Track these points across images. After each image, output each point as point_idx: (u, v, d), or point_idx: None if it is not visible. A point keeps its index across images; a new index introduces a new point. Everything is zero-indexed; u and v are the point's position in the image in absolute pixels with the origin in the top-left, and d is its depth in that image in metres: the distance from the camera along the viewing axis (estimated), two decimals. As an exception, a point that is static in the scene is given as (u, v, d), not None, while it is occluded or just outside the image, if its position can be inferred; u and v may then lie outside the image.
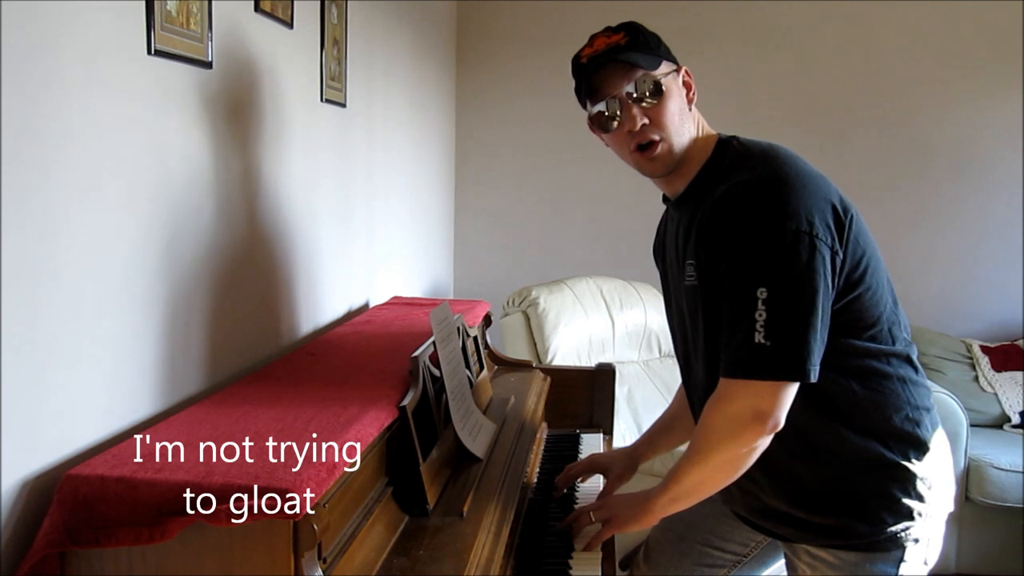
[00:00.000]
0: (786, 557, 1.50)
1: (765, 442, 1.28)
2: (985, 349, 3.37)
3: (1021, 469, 2.92)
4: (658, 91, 1.35)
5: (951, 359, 3.35)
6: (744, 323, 1.24)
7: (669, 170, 1.40)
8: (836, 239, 1.26)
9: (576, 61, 1.40)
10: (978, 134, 3.53)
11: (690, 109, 1.41)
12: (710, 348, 1.36)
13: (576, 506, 1.64)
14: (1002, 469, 2.94)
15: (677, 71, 1.40)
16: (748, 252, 1.25)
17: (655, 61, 1.36)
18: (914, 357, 1.40)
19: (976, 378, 3.30)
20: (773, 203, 1.25)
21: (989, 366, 3.32)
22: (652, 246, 1.62)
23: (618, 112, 1.36)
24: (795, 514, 1.40)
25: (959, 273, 3.61)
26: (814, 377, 1.24)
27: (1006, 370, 3.30)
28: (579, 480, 1.75)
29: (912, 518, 1.35)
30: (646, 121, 1.35)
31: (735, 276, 1.26)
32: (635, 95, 1.35)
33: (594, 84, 1.38)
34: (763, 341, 1.22)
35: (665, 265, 1.54)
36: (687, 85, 1.42)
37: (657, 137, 1.37)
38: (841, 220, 1.28)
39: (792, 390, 1.26)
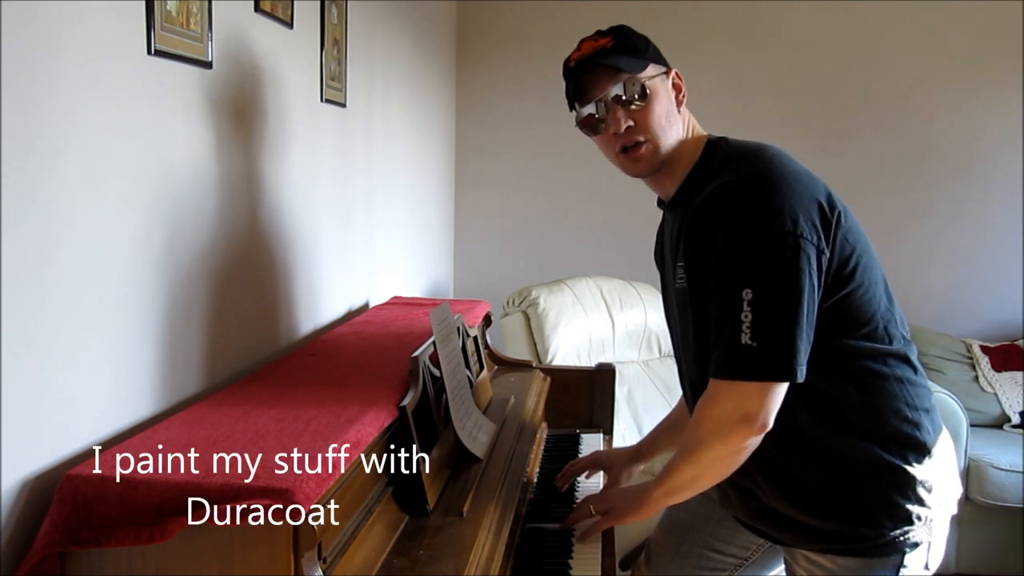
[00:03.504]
0: (785, 562, 1.50)
1: (755, 441, 1.28)
2: (985, 349, 3.36)
3: (1021, 469, 2.92)
4: (643, 94, 1.36)
5: (951, 359, 3.34)
6: (730, 324, 1.24)
7: (653, 170, 1.41)
8: (822, 237, 1.26)
9: (565, 65, 1.41)
10: (978, 134, 3.53)
11: (679, 111, 1.42)
12: (700, 349, 1.36)
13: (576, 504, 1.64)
14: (1002, 469, 2.94)
15: (667, 73, 1.41)
16: (733, 253, 1.25)
17: (641, 64, 1.37)
18: (913, 357, 1.39)
19: (976, 378, 3.30)
20: (757, 203, 1.26)
21: (989, 366, 3.32)
22: (653, 250, 1.63)
23: (604, 114, 1.38)
24: (793, 517, 1.39)
25: (959, 273, 3.61)
26: (801, 377, 1.24)
27: (1006, 370, 3.30)
28: (583, 476, 1.75)
29: (912, 522, 1.34)
30: (631, 123, 1.37)
31: (720, 277, 1.27)
32: (622, 98, 1.36)
33: (581, 87, 1.39)
34: (749, 342, 1.22)
35: (662, 268, 1.55)
36: (677, 87, 1.42)
37: (642, 139, 1.38)
38: (828, 218, 1.28)
39: (781, 390, 1.26)
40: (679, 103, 1.42)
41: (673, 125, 1.39)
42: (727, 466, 1.32)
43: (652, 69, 1.38)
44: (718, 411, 1.28)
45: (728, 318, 1.24)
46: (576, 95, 1.40)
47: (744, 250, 1.24)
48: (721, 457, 1.30)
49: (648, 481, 1.43)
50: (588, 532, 1.48)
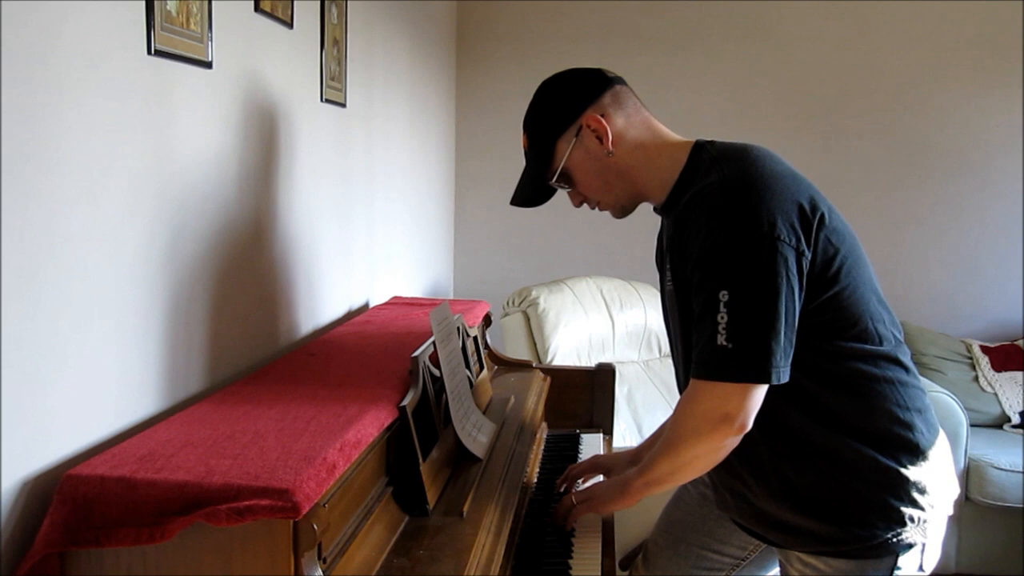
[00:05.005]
0: (780, 563, 1.50)
1: (734, 441, 1.29)
2: (985, 349, 3.37)
3: (1021, 469, 2.92)
4: (567, 180, 1.43)
5: (951, 359, 3.35)
6: (708, 325, 1.25)
7: (628, 212, 1.48)
8: (802, 239, 1.25)
9: None
10: (978, 134, 3.53)
11: (614, 151, 1.39)
12: (686, 349, 1.37)
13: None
14: (1002, 469, 2.94)
15: (580, 130, 1.39)
16: (711, 255, 1.25)
17: (550, 150, 1.41)
18: (904, 358, 1.38)
19: (976, 378, 3.30)
20: (735, 205, 1.26)
21: (989, 366, 3.32)
22: (655, 250, 1.64)
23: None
24: (786, 518, 1.39)
25: (959, 273, 3.61)
26: (777, 379, 1.24)
27: (1006, 370, 3.31)
28: (580, 481, 1.75)
29: (905, 524, 1.33)
30: (581, 198, 1.47)
31: (699, 278, 1.27)
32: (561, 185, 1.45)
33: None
34: (725, 343, 1.23)
35: (660, 271, 1.56)
36: (597, 134, 1.38)
37: (595, 201, 1.47)
38: (808, 219, 1.27)
39: (759, 392, 1.26)
40: (607, 147, 1.38)
41: (608, 178, 1.42)
42: (706, 463, 1.33)
43: (563, 144, 1.40)
44: (698, 410, 1.29)
45: (706, 319, 1.25)
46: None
47: (721, 252, 1.25)
48: (700, 454, 1.32)
49: (630, 472, 1.45)
50: (568, 519, 1.49)
